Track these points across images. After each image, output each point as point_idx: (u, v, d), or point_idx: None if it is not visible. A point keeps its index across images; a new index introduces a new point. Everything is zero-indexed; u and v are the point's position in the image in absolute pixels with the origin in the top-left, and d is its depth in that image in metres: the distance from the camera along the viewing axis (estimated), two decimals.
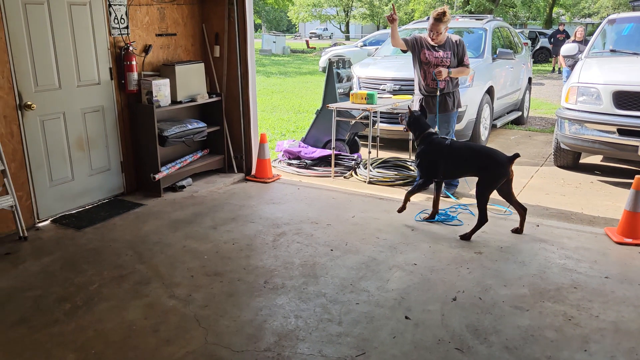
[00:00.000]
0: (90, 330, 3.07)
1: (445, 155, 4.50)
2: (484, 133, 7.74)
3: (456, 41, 5.29)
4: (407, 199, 4.71)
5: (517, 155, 4.24)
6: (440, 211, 4.88)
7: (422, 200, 5.31)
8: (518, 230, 4.45)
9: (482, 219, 4.29)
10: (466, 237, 4.33)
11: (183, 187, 5.58)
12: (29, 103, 4.39)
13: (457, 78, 5.38)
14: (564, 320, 3.16)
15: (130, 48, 5.08)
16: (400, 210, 4.70)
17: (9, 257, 4.01)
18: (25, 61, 4.34)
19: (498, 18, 10.15)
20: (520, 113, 9.67)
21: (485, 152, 4.45)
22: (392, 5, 5.19)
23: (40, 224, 4.62)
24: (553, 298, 3.41)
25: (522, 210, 4.45)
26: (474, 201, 5.25)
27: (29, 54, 4.36)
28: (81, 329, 3.09)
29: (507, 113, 9.25)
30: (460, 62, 5.30)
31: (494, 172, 4.29)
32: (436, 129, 5.42)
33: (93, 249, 4.17)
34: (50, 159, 4.66)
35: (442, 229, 4.57)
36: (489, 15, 9.88)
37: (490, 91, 7.85)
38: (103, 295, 3.46)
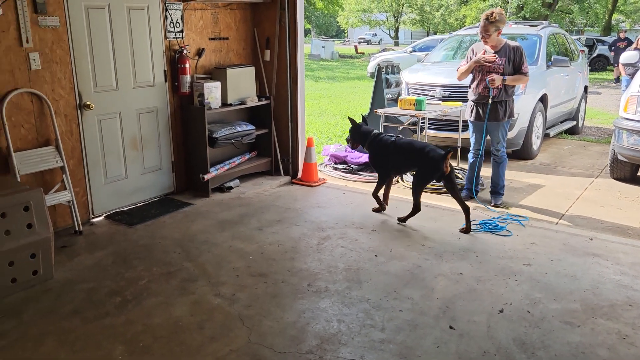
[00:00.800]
0: (139, 324, 3.17)
1: (391, 152, 4.82)
2: (536, 142, 7.52)
3: (513, 48, 5.13)
4: (376, 197, 5.08)
5: (450, 151, 4.55)
6: (488, 221, 4.79)
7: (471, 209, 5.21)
8: (465, 231, 4.59)
9: (416, 208, 4.69)
10: (403, 220, 4.76)
11: (230, 188, 5.68)
12: (88, 103, 4.58)
13: (512, 87, 5.22)
14: (617, 339, 3.02)
15: (184, 51, 5.23)
16: (377, 210, 5.08)
17: (65, 250, 4.19)
18: (86, 63, 4.54)
19: (554, 24, 9.85)
20: (574, 122, 9.34)
21: (422, 149, 4.70)
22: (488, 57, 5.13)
23: (94, 219, 4.80)
24: (606, 315, 3.27)
25: (465, 208, 4.65)
26: (524, 211, 5.13)
27: (89, 56, 4.55)
28: (130, 322, 3.19)
29: (561, 122, 8.95)
30: (518, 70, 5.13)
31: (428, 168, 4.62)
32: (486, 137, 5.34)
33: (143, 245, 4.31)
34: (106, 157, 4.84)
35: (490, 239, 4.47)
36: (544, 22, 9.59)
37: (543, 99, 7.63)
38: (152, 290, 3.57)
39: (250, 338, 3.02)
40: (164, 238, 4.44)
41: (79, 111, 4.55)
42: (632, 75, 9.40)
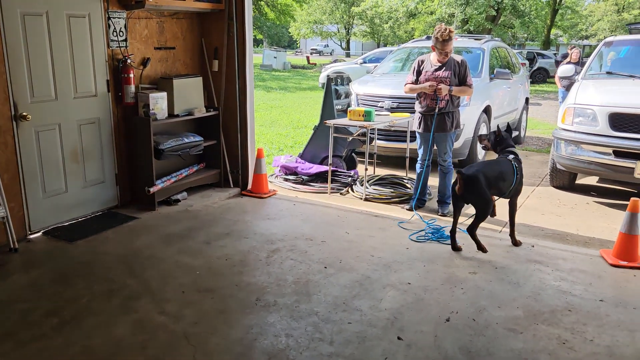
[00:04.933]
0: (78, 345, 3.02)
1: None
2: (480, 152, 7.74)
3: (458, 61, 5.27)
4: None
5: (459, 171, 4.30)
6: (434, 229, 4.87)
7: (418, 218, 5.28)
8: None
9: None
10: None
11: (178, 201, 5.55)
12: (24, 114, 4.37)
13: (457, 98, 5.37)
14: (557, 344, 3.12)
15: (128, 61, 5.09)
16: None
17: None
18: (22, 72, 4.34)
19: (496, 38, 10.22)
20: (517, 133, 9.69)
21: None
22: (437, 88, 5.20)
23: (31, 236, 4.57)
24: (547, 321, 3.37)
25: None
26: (469, 220, 5.26)
27: (25, 65, 4.35)
28: (68, 344, 3.03)
29: None
30: (462, 82, 5.28)
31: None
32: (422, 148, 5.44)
33: (84, 262, 4.13)
34: (44, 170, 4.63)
35: (437, 248, 4.54)
36: (487, 35, 9.94)
37: (487, 110, 7.87)
38: (92, 309, 3.42)
39: (196, 357, 2.93)
40: (106, 254, 4.27)
41: (14, 122, 4.33)
42: (567, 88, 9.87)
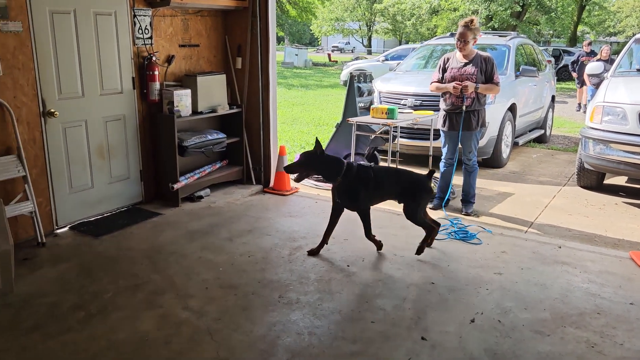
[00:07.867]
0: (103, 339, 3.06)
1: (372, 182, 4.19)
2: (505, 151, 7.63)
3: (485, 58, 5.18)
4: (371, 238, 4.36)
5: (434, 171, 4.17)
6: (460, 228, 4.81)
7: (441, 217, 5.23)
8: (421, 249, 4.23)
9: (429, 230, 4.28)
10: (420, 251, 4.24)
11: (201, 197, 5.58)
12: (52, 110, 4.44)
13: (484, 96, 5.27)
14: (586, 347, 3.05)
15: (154, 58, 5.13)
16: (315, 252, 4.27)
17: (27, 262, 4.04)
18: (50, 69, 4.40)
19: (522, 35, 10.05)
20: (542, 131, 9.53)
21: (407, 175, 4.38)
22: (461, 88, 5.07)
23: (58, 231, 4.65)
24: (575, 323, 3.30)
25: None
26: (494, 220, 5.17)
27: (54, 62, 4.42)
28: (94, 338, 3.07)
29: (530, 131, 9.11)
30: (489, 80, 5.18)
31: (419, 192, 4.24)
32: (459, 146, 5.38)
33: (109, 257, 4.18)
34: (71, 166, 4.70)
35: (461, 248, 4.48)
36: (512, 32, 9.78)
37: (512, 108, 7.75)
38: (117, 304, 3.45)
39: (219, 353, 2.94)
40: (131, 249, 4.32)
41: (42, 119, 4.40)
42: (596, 85, 9.65)
